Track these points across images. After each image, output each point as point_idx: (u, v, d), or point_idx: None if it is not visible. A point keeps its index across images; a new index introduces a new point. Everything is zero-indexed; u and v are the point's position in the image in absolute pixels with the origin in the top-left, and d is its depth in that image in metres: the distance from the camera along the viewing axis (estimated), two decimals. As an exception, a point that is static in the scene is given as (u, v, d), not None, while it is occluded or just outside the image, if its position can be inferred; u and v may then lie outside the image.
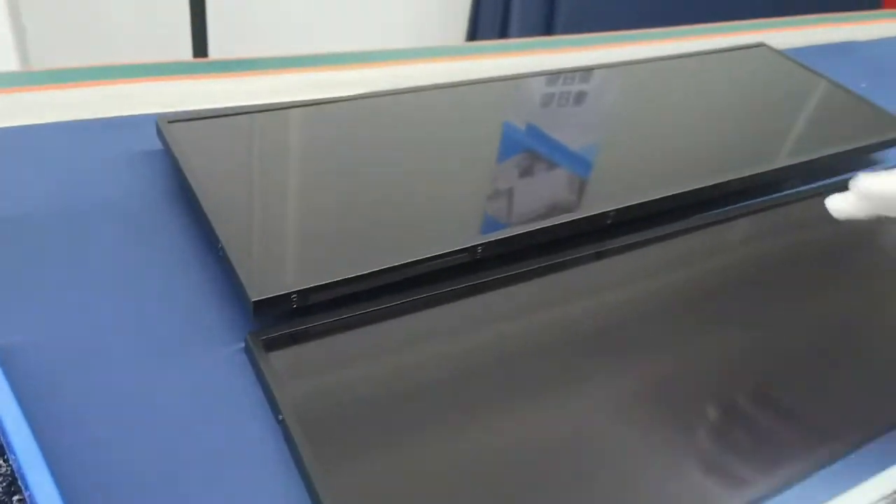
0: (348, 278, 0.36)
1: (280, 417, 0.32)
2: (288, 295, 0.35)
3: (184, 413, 0.32)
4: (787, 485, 0.33)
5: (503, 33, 1.64)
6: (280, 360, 0.34)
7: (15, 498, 0.26)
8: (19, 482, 0.26)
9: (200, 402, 0.33)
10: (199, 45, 1.13)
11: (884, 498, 0.33)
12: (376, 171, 0.45)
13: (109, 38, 1.37)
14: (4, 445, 0.27)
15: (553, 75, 0.59)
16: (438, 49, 0.70)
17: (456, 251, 0.39)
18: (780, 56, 0.68)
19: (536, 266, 0.42)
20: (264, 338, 0.35)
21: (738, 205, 0.51)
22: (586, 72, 0.61)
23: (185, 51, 1.24)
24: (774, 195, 0.53)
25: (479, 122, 0.53)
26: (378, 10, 1.61)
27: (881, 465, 0.35)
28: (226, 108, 0.48)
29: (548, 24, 1.62)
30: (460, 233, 0.40)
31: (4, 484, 0.26)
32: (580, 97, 0.59)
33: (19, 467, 0.25)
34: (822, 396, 0.38)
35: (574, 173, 0.49)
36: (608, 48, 0.73)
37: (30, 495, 0.25)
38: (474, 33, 1.71)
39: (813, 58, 0.73)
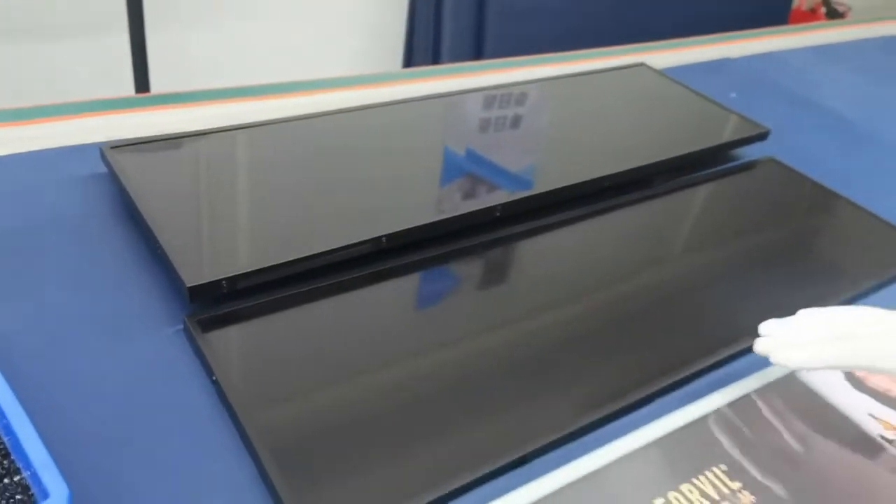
0: (268, 266, 0.43)
1: (213, 378, 0.38)
2: (218, 281, 0.42)
3: (136, 381, 0.39)
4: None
5: (436, 60, 1.74)
6: (213, 335, 0.41)
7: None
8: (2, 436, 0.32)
9: (149, 372, 0.39)
10: (141, 80, 1.20)
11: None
12: (295, 179, 0.53)
13: (54, 80, 1.42)
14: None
15: (467, 94, 0.68)
16: (372, 76, 0.78)
17: (361, 242, 0.46)
18: (656, 73, 0.78)
19: (434, 254, 0.50)
20: (199, 318, 0.41)
21: (622, 197, 0.60)
22: (501, 88, 0.70)
23: (127, 88, 1.30)
24: (656, 187, 0.62)
25: (395, 134, 0.61)
26: (316, 43, 1.70)
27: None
28: (159, 135, 0.55)
29: (477, 49, 1.73)
30: (366, 226, 0.48)
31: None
32: (493, 110, 0.67)
33: (7, 424, 0.31)
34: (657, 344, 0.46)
35: (472, 173, 0.57)
36: (525, 69, 0.82)
37: (10, 439, 0.31)
38: (409, 62, 1.81)
39: (690, 74, 0.84)
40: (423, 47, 1.71)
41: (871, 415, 0.42)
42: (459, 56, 1.69)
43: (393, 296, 0.47)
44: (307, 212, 0.50)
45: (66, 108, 0.63)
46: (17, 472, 0.31)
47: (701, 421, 0.40)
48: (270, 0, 1.61)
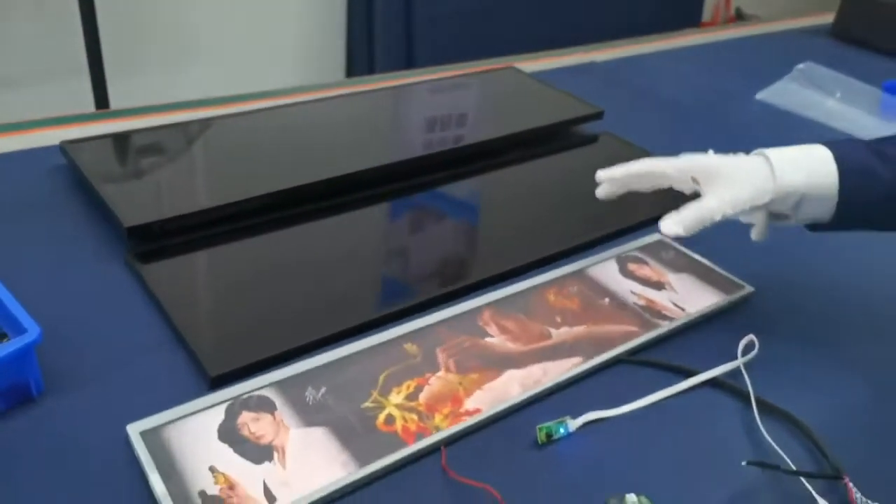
0: (190, 212, 0.59)
1: (151, 290, 0.53)
2: (150, 223, 0.57)
3: (89, 294, 0.53)
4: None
5: (372, 71, 1.92)
6: (147, 264, 0.56)
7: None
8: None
9: (99, 289, 0.54)
10: (101, 99, 1.36)
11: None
12: (218, 152, 0.69)
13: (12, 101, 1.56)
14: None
15: (355, 95, 0.85)
16: (310, 86, 0.94)
17: (254, 197, 0.62)
18: (522, 74, 0.95)
19: (315, 207, 0.66)
20: (136, 252, 0.57)
21: (494, 160, 0.76)
22: (400, 88, 0.87)
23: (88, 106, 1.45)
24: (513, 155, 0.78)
25: (307, 124, 0.77)
26: (263, 57, 1.85)
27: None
28: (109, 133, 0.70)
29: (409, 58, 1.92)
30: (270, 180, 0.63)
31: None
32: (391, 104, 0.84)
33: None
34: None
35: (369, 147, 0.73)
36: (433, 75, 0.99)
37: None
38: (350, 72, 1.99)
39: (561, 75, 1.01)
40: (360, 61, 1.91)
41: (632, 292, 0.58)
42: (393, 66, 1.86)
43: (289, 233, 0.63)
44: (221, 169, 0.66)
45: (30, 123, 0.78)
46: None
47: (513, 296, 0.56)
48: (219, 39, 1.77)
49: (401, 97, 0.88)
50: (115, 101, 1.49)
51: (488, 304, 0.55)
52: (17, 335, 0.45)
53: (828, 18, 1.45)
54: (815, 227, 0.55)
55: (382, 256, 0.63)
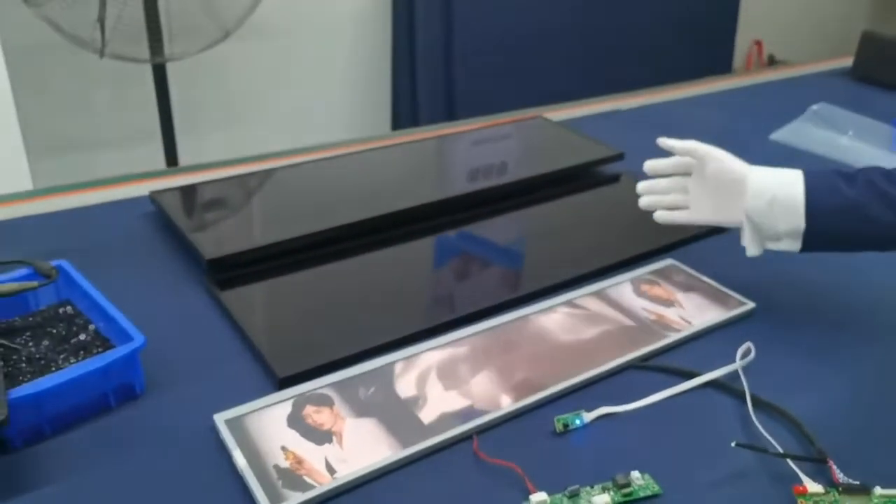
0: (258, 247, 0.69)
1: (228, 310, 0.63)
2: (226, 256, 0.67)
3: (180, 315, 0.63)
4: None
5: (416, 122, 2.05)
6: (224, 290, 0.66)
7: (85, 331, 0.56)
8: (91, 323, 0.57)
9: (189, 310, 0.64)
10: (171, 156, 1.51)
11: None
12: (279, 190, 0.79)
13: (94, 163, 1.72)
14: (89, 312, 0.57)
15: (400, 145, 0.95)
16: (363, 138, 1.06)
17: (320, 231, 0.72)
18: (549, 122, 1.04)
19: (364, 242, 0.75)
20: (214, 280, 0.67)
21: (526, 197, 0.85)
22: (437, 138, 0.97)
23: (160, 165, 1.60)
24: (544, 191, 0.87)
25: (366, 171, 0.87)
26: (316, 116, 2.00)
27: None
28: (189, 184, 0.82)
29: (450, 110, 2.05)
30: (326, 218, 0.74)
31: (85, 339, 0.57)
32: (429, 153, 0.94)
33: (85, 292, 0.56)
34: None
35: (410, 187, 0.83)
36: (462, 127, 1.09)
37: (88, 303, 0.56)
38: (396, 126, 2.13)
39: (586, 122, 1.10)
40: (405, 116, 2.05)
41: (644, 308, 0.65)
42: (434, 119, 1.99)
43: (342, 264, 0.72)
44: (286, 209, 0.76)
45: (117, 178, 0.91)
46: (88, 323, 0.56)
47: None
48: (275, 101, 1.93)
49: (441, 146, 0.98)
50: (183, 160, 1.64)
51: (521, 319, 0.63)
52: (123, 345, 0.55)
53: (851, 61, 1.52)
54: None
55: (425, 281, 0.72)
